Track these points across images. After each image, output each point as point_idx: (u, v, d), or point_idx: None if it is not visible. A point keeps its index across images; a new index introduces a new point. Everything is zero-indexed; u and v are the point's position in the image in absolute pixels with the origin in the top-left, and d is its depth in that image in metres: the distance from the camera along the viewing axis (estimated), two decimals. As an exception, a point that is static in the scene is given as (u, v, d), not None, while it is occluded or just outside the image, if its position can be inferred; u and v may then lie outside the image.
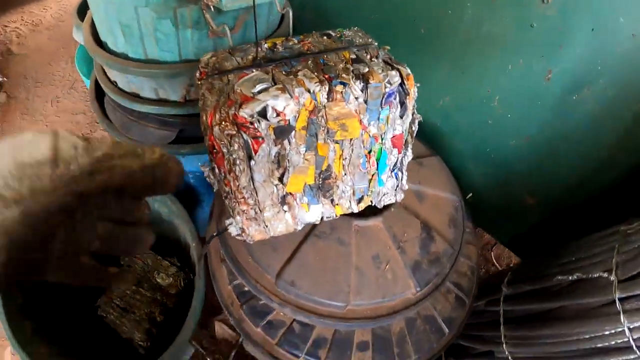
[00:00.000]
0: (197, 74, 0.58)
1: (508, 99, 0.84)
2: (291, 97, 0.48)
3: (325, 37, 0.64)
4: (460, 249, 0.76)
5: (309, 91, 0.49)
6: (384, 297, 0.66)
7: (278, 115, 0.48)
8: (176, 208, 0.89)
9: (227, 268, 0.73)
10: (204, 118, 0.49)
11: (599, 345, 0.67)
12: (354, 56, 0.57)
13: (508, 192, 0.95)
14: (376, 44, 0.62)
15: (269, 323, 0.69)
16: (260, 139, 0.49)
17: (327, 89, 0.49)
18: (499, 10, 0.78)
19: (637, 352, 0.62)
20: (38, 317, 0.91)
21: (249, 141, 0.49)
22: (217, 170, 0.53)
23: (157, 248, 1.23)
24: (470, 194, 1.00)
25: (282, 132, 0.50)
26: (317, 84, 0.49)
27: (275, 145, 0.51)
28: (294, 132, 0.50)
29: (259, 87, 0.49)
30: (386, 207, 0.72)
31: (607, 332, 0.65)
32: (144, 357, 1.05)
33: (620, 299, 0.63)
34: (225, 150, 0.49)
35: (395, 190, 0.66)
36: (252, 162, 0.51)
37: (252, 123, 0.48)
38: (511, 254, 1.34)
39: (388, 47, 0.60)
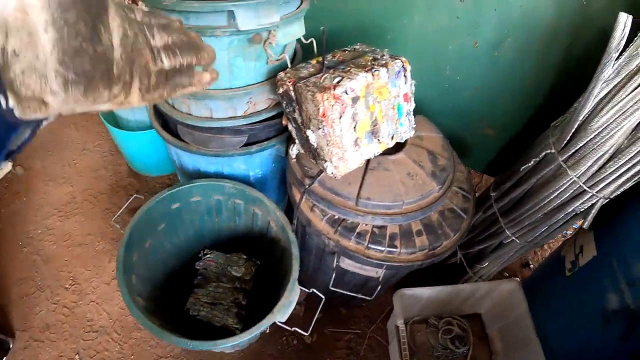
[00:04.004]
0: (286, 83, 1.24)
1: (454, 66, 1.61)
2: (357, 81, 1.16)
3: (346, 51, 1.35)
4: (454, 164, 1.47)
5: (364, 77, 1.17)
6: (421, 195, 1.33)
7: (352, 91, 1.15)
8: (255, 194, 1.48)
9: (318, 210, 1.35)
10: (317, 98, 1.13)
11: (565, 197, 1.35)
12: (371, 57, 1.28)
13: (472, 130, 1.71)
14: (379, 48, 1.34)
15: (358, 234, 1.31)
16: (345, 106, 1.16)
17: (371, 74, 1.18)
18: (436, 14, 1.55)
19: (589, 190, 1.29)
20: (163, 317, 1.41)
21: (340, 108, 1.15)
22: (324, 128, 1.17)
23: (223, 248, 1.78)
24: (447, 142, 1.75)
25: (355, 100, 1.17)
26: (365, 72, 1.18)
27: (352, 108, 1.18)
28: (359, 99, 1.18)
29: (336, 79, 1.17)
30: (402, 146, 1.41)
31: (565, 186, 1.33)
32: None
33: (563, 161, 1.31)
34: (330, 114, 1.15)
35: (409, 128, 1.35)
36: (341, 119, 1.17)
37: (341, 97, 1.14)
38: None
39: (387, 49, 1.32)
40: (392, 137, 1.32)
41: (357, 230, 1.32)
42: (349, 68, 1.22)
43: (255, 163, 1.57)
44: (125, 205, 1.65)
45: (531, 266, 2.19)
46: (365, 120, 1.22)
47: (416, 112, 1.64)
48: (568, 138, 1.32)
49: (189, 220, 1.66)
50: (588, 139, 1.25)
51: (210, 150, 1.48)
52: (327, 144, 1.20)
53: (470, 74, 1.60)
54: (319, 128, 1.18)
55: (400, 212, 1.31)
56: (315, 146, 1.25)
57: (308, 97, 1.16)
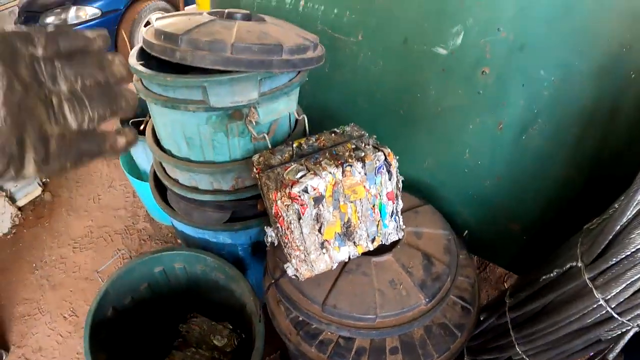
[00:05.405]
0: (254, 170, 1.10)
1: (475, 150, 1.36)
2: (321, 178, 0.98)
3: (333, 135, 1.18)
4: (457, 269, 1.21)
5: (330, 173, 0.99)
6: (403, 308, 1.10)
7: (314, 190, 0.98)
8: (233, 273, 1.36)
9: (284, 307, 1.18)
10: (270, 196, 0.98)
11: (588, 321, 1.03)
12: (354, 146, 1.09)
13: (495, 223, 1.42)
14: (367, 134, 1.14)
15: (320, 342, 1.12)
16: (305, 206, 0.99)
17: (341, 170, 1.00)
18: (453, 87, 1.32)
19: (619, 318, 0.96)
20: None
21: (299, 208, 0.98)
22: (279, 229, 1.02)
23: (212, 314, 1.69)
24: (466, 232, 1.47)
25: (318, 200, 0.99)
26: (334, 167, 1.00)
27: (315, 209, 1.00)
28: (324, 199, 1.00)
29: (300, 174, 1.00)
30: (394, 245, 1.19)
31: (588, 309, 1.01)
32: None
33: (590, 279, 0.98)
34: (284, 214, 0.98)
35: (397, 230, 1.13)
36: (301, 221, 1.00)
37: (299, 196, 0.97)
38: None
39: (375, 136, 1.12)
40: (373, 240, 1.12)
41: (320, 337, 1.13)
42: (321, 159, 1.05)
43: (242, 238, 1.45)
44: (112, 261, 1.61)
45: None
46: (334, 222, 1.04)
47: (427, 199, 1.41)
48: (599, 251, 1.00)
49: (175, 284, 1.59)
50: (624, 255, 0.92)
51: (193, 222, 1.38)
52: (285, 246, 1.03)
53: (493, 159, 1.33)
54: (276, 228, 1.02)
55: (373, 326, 1.09)
56: (275, 244, 1.09)
57: (264, 192, 1.01)
